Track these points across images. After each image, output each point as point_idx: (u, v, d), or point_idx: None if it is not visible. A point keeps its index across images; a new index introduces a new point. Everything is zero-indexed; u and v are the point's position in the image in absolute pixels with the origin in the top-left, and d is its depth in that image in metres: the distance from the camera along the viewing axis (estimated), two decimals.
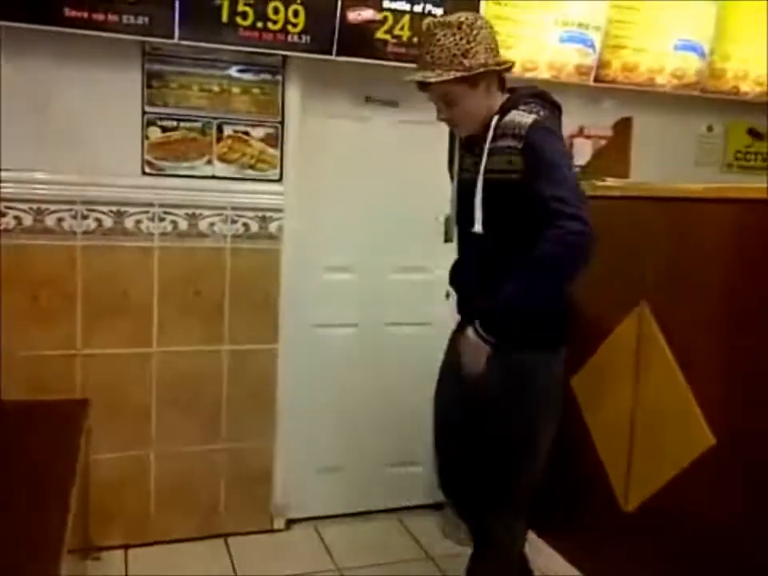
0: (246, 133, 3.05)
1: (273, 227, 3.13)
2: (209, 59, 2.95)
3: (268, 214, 3.11)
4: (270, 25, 2.86)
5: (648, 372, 2.52)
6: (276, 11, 2.86)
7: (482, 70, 2.03)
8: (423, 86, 2.11)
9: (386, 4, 2.98)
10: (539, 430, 2.23)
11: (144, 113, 2.92)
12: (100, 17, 2.66)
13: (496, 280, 2.03)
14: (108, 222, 2.92)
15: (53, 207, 2.84)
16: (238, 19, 2.82)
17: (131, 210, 2.94)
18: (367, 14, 2.97)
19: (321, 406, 3.40)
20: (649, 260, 2.54)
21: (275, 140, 3.09)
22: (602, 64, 3.40)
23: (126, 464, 3.06)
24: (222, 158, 3.04)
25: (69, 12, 2.62)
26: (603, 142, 3.49)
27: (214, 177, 3.03)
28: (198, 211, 3.03)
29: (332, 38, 2.93)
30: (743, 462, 2.18)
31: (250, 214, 3.10)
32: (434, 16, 3.03)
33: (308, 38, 2.91)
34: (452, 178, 2.35)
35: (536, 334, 2.14)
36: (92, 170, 2.87)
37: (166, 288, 3.02)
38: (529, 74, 3.19)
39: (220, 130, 3.01)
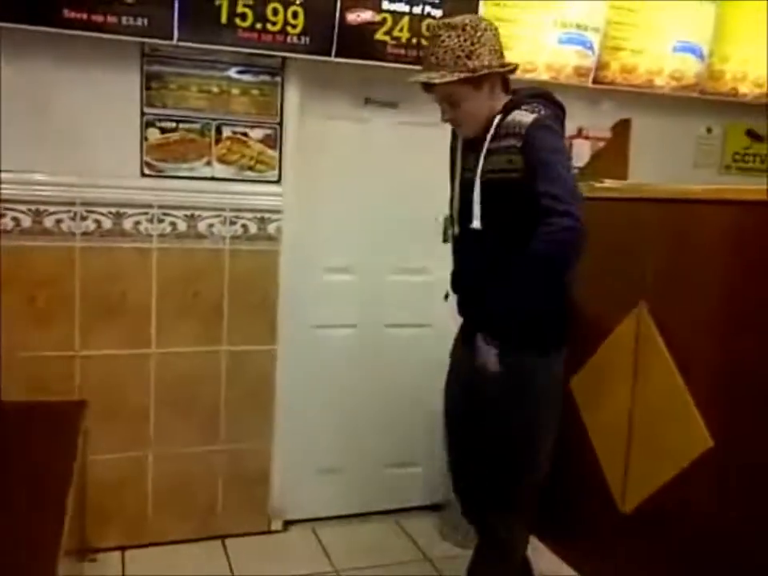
0: (245, 134, 3.05)
1: (271, 228, 3.13)
2: (208, 60, 2.95)
3: (267, 216, 3.11)
4: (269, 26, 2.86)
5: (646, 373, 2.52)
6: (275, 12, 2.86)
7: (485, 71, 2.04)
8: (427, 86, 2.12)
9: (385, 5, 2.98)
10: (539, 430, 2.24)
11: (143, 114, 2.92)
12: (99, 18, 2.66)
13: (497, 280, 2.03)
14: (107, 223, 2.92)
15: (51, 208, 2.85)
16: (237, 20, 2.82)
17: (130, 211, 2.94)
18: (366, 15, 2.97)
19: (319, 408, 3.40)
20: (647, 261, 2.53)
21: (274, 141, 3.09)
22: (600, 65, 3.40)
23: (123, 465, 3.06)
24: (221, 160, 3.04)
25: (68, 13, 2.63)
26: (602, 144, 3.49)
27: (212, 178, 3.03)
28: (196, 212, 3.03)
29: (331, 40, 2.93)
30: (741, 465, 2.18)
31: (249, 215, 3.10)
32: (433, 17, 3.05)
33: (307, 39, 2.91)
34: (452, 178, 2.36)
35: (536, 335, 2.14)
36: (91, 171, 2.87)
37: (164, 289, 3.02)
38: (527, 76, 3.18)
39: (219, 131, 3.02)
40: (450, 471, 2.50)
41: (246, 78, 3.02)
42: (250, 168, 3.08)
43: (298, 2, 2.87)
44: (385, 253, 3.39)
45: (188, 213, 3.02)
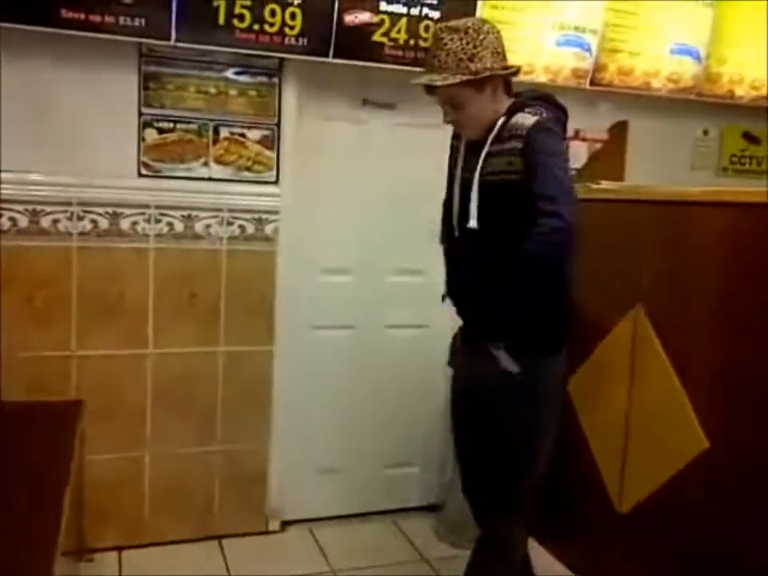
0: (243, 135, 3.05)
1: (269, 229, 3.13)
2: (205, 61, 2.95)
3: (264, 216, 3.12)
4: (266, 27, 2.86)
5: (643, 374, 2.53)
6: (273, 13, 2.86)
7: (487, 73, 2.05)
8: (430, 89, 2.13)
9: (382, 7, 2.99)
10: (539, 431, 2.24)
11: (140, 114, 2.92)
12: (97, 18, 2.66)
13: (497, 280, 2.05)
14: (104, 223, 2.92)
15: (48, 208, 2.84)
16: (235, 21, 2.82)
17: (127, 211, 2.94)
18: (364, 16, 2.97)
19: (316, 408, 3.40)
20: (644, 263, 2.54)
21: (272, 142, 3.09)
22: (598, 67, 3.41)
23: (120, 465, 3.06)
24: (219, 160, 3.04)
25: (65, 13, 2.62)
26: (599, 146, 3.50)
27: (210, 179, 3.03)
28: (194, 213, 3.03)
29: (329, 41, 2.93)
30: (737, 466, 2.18)
31: (246, 215, 3.10)
32: (431, 19, 3.06)
33: (305, 40, 2.91)
34: (450, 179, 2.36)
35: (536, 335, 2.15)
36: (88, 171, 2.87)
37: (161, 289, 3.02)
38: (525, 78, 3.18)
39: (216, 131, 3.02)
40: (459, 472, 2.51)
41: (244, 78, 3.02)
42: (248, 169, 3.08)
43: (295, 4, 2.87)
44: (382, 254, 3.39)
45: (185, 213, 3.02)
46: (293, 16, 2.88)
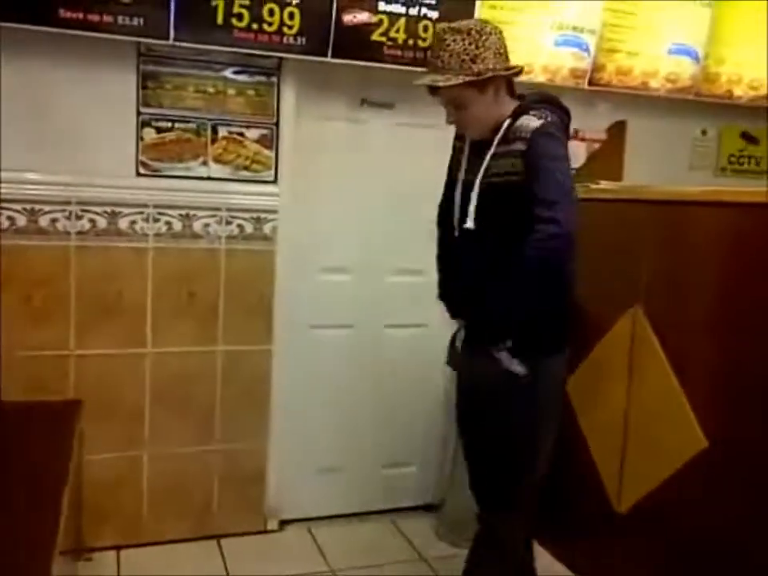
0: (241, 134, 3.05)
1: (267, 228, 3.13)
2: (204, 60, 2.95)
3: (263, 215, 3.11)
4: (265, 26, 2.86)
5: (641, 374, 2.53)
6: (271, 13, 2.86)
7: (490, 74, 2.06)
8: (433, 89, 2.14)
9: (381, 7, 2.99)
10: (539, 431, 2.25)
11: (139, 114, 2.92)
12: (95, 18, 2.66)
13: (497, 279, 2.06)
14: (102, 222, 2.92)
15: (47, 208, 2.84)
16: (234, 21, 2.82)
17: (125, 210, 2.94)
18: (363, 16, 2.97)
19: (315, 407, 3.40)
20: (643, 262, 2.54)
21: (270, 141, 3.09)
22: (596, 67, 3.41)
23: (119, 464, 3.06)
24: (217, 159, 3.04)
25: (64, 13, 2.62)
26: (597, 146, 3.50)
27: (208, 178, 3.03)
28: (192, 212, 3.03)
29: (327, 40, 2.93)
30: (735, 465, 2.19)
31: (245, 215, 3.10)
32: (430, 19, 3.06)
33: (303, 39, 2.91)
34: (450, 179, 2.37)
35: (536, 336, 2.15)
36: (86, 170, 2.87)
37: (160, 289, 3.02)
38: (524, 77, 3.17)
39: (215, 131, 3.01)
40: (467, 469, 2.52)
41: (242, 78, 3.02)
42: (246, 168, 3.08)
43: (294, 3, 2.87)
44: (381, 253, 3.39)
45: (184, 212, 3.02)
46: (291, 15, 2.88)
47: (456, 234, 2.26)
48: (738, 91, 3.70)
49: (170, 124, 2.96)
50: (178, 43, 2.78)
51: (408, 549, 3.27)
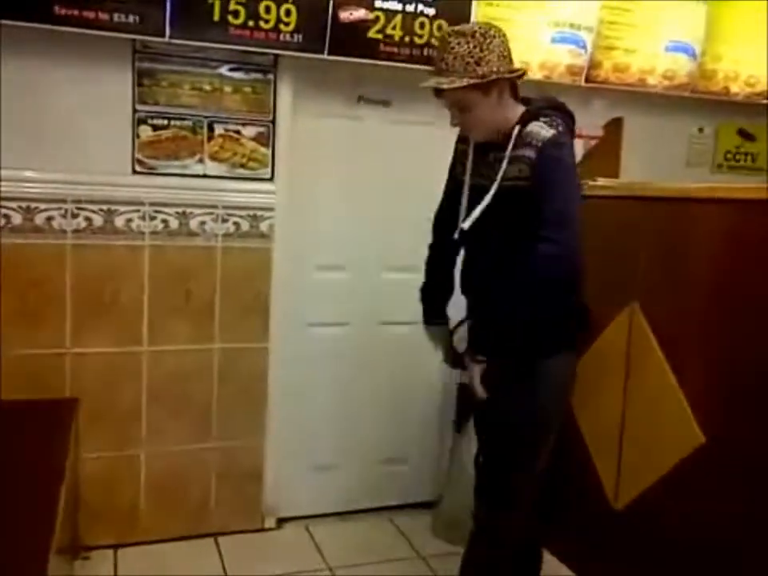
0: (238, 132, 3.04)
1: (264, 226, 3.12)
2: (200, 58, 2.94)
3: (259, 213, 3.11)
4: (261, 23, 2.86)
5: (639, 370, 2.53)
6: (268, 10, 2.86)
7: (494, 77, 2.06)
8: (437, 92, 2.14)
9: (377, 4, 2.98)
10: (539, 431, 2.25)
11: (135, 111, 2.91)
12: (90, 15, 2.65)
13: (502, 279, 2.08)
14: (98, 220, 2.91)
15: (42, 206, 2.83)
16: (230, 18, 2.81)
17: (122, 208, 2.93)
18: (359, 13, 2.97)
19: (312, 405, 3.40)
20: (640, 259, 2.55)
21: (267, 139, 3.08)
22: (593, 64, 3.41)
23: (116, 463, 3.06)
24: (213, 157, 3.03)
25: (59, 10, 2.61)
26: (594, 143, 3.50)
27: (205, 175, 3.03)
28: (188, 210, 3.02)
29: (324, 37, 2.92)
30: (732, 461, 2.19)
31: (241, 212, 3.09)
32: (426, 16, 3.05)
33: (300, 36, 2.91)
34: (451, 180, 2.37)
35: (539, 341, 2.15)
36: (82, 168, 2.86)
37: (156, 287, 3.01)
38: None
39: (211, 128, 3.01)
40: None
41: (239, 75, 3.01)
42: (243, 165, 3.07)
43: (290, 0, 2.86)
44: (378, 250, 3.39)
45: (180, 210, 3.01)
46: (288, 12, 2.88)
47: (457, 235, 2.27)
48: (734, 88, 3.70)
49: (166, 121, 2.95)
50: (173, 40, 2.78)
51: (405, 546, 3.27)
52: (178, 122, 2.96)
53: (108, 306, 2.95)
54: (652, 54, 3.49)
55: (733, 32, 3.58)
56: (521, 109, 2.17)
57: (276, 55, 3.00)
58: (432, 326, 2.53)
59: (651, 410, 2.47)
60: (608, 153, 3.41)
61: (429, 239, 2.52)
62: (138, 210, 2.95)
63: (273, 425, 3.27)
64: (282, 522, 3.39)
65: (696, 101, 3.68)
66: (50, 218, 2.85)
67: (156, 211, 2.98)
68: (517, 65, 2.18)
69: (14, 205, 2.79)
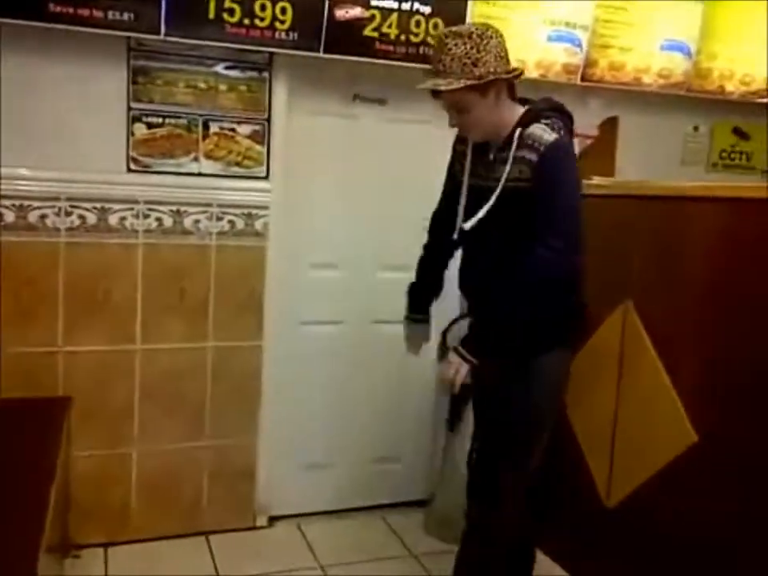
0: (233, 130, 3.04)
1: (259, 224, 3.12)
2: (195, 56, 2.93)
3: (254, 211, 3.10)
4: (257, 21, 2.85)
5: (632, 369, 2.53)
6: (263, 8, 2.85)
7: (491, 78, 2.07)
8: (435, 93, 2.14)
9: (373, 2, 2.98)
10: (532, 429, 2.26)
11: (129, 109, 2.90)
12: (85, 12, 2.64)
13: (502, 279, 2.08)
14: (92, 218, 2.90)
15: (36, 204, 2.82)
16: (225, 15, 2.81)
17: (116, 206, 2.93)
18: (355, 11, 2.96)
19: (305, 403, 3.39)
20: (634, 258, 2.55)
21: (262, 137, 3.08)
22: (589, 63, 3.41)
23: (108, 461, 3.05)
24: (208, 155, 3.02)
25: (53, 7, 2.60)
26: (589, 141, 3.50)
27: (199, 174, 3.02)
28: (183, 208, 3.01)
29: (319, 36, 2.92)
30: (725, 460, 2.19)
31: (236, 211, 3.09)
32: (422, 14, 3.05)
33: (295, 34, 2.90)
34: (450, 181, 2.37)
35: (535, 340, 2.16)
36: (76, 166, 2.85)
37: (150, 285, 3.01)
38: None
39: (206, 126, 3.00)
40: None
41: (234, 73, 3.00)
42: (238, 164, 3.07)
43: None
44: (372, 249, 3.38)
45: (174, 208, 3.00)
46: (283, 10, 2.87)
47: (456, 235, 2.27)
48: (729, 87, 3.70)
49: (160, 119, 2.94)
50: (168, 38, 2.77)
51: (397, 545, 3.27)
52: (172, 120, 2.95)
53: (101, 304, 2.94)
54: (647, 52, 3.49)
55: (728, 31, 3.58)
56: (519, 109, 2.17)
57: (271, 53, 2.99)
58: (412, 322, 2.52)
59: (644, 408, 2.47)
60: (603, 151, 3.41)
61: (424, 238, 2.52)
62: (132, 208, 2.95)
63: (266, 423, 3.27)
64: (273, 520, 3.38)
65: (691, 99, 3.68)
66: (43, 216, 2.84)
67: (150, 209, 2.97)
68: (513, 64, 2.17)
69: (6, 202, 2.78)
